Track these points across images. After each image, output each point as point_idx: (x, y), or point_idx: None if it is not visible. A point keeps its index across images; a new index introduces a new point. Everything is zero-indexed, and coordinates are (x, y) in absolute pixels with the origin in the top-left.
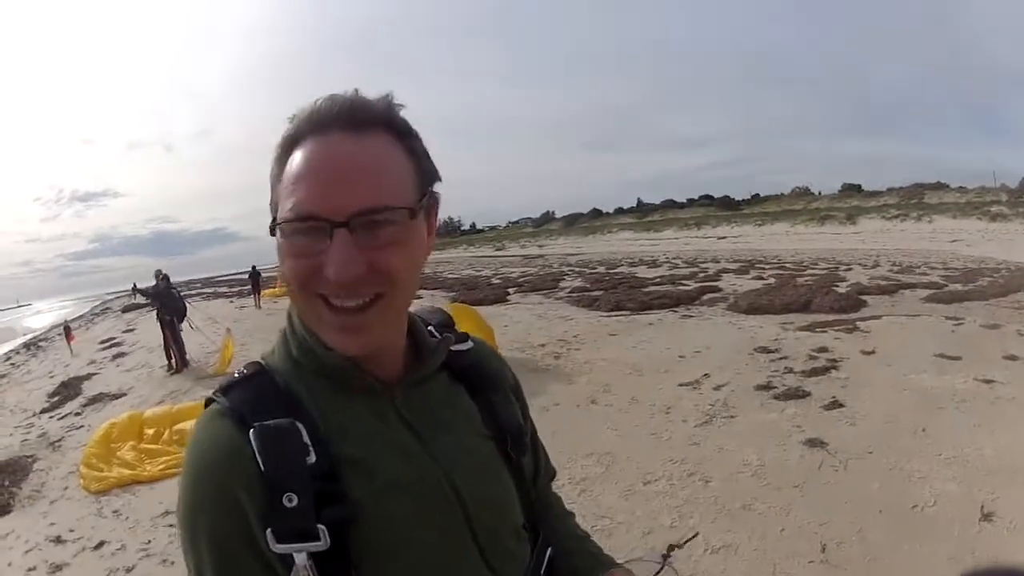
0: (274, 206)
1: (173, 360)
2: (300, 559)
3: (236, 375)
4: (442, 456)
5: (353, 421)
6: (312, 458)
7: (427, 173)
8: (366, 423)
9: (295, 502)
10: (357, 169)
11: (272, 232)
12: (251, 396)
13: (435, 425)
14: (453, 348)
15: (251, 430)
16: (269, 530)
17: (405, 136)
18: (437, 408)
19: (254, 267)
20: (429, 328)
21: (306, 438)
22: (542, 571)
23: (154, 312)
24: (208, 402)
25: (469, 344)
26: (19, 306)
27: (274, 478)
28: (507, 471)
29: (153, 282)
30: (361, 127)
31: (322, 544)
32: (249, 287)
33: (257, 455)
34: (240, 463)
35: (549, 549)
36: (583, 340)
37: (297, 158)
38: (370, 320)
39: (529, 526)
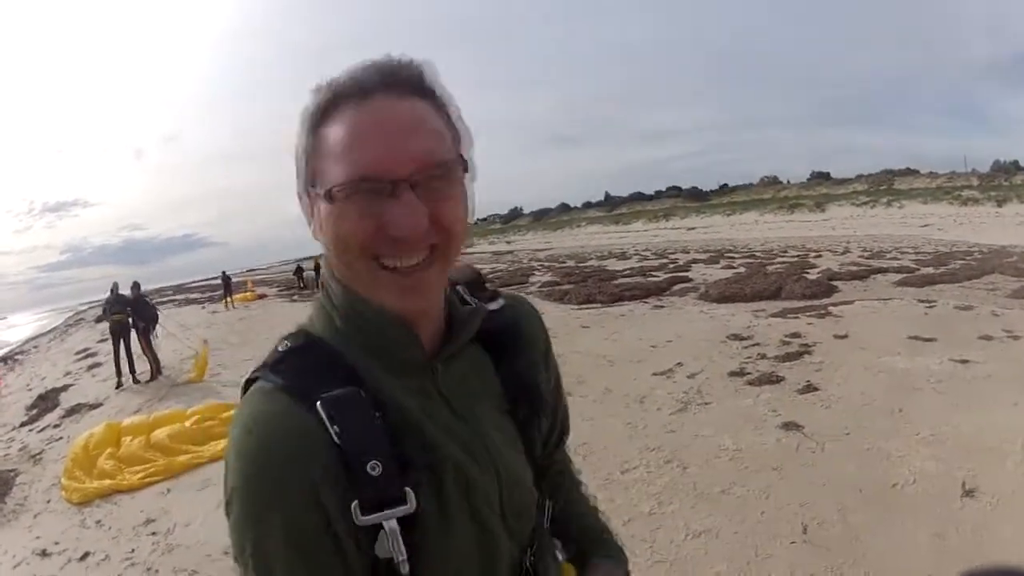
0: (310, 177)
1: (123, 376)
2: (390, 525)
3: (280, 348)
4: (479, 434)
5: (401, 393)
6: (381, 424)
7: (464, 134)
8: (412, 397)
9: (379, 469)
10: (408, 129)
11: (303, 197)
12: (306, 367)
13: (470, 402)
14: (488, 308)
15: (318, 403)
16: (356, 502)
17: (439, 98)
18: (470, 384)
19: (224, 272)
20: (458, 289)
21: (371, 406)
22: (545, 524)
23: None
24: (249, 382)
25: (500, 302)
26: None
27: (353, 448)
28: (521, 444)
29: (127, 292)
30: (401, 89)
31: (409, 507)
32: (221, 291)
33: (330, 428)
34: (311, 442)
35: (548, 502)
36: (555, 333)
37: (340, 123)
38: (428, 277)
39: (537, 486)
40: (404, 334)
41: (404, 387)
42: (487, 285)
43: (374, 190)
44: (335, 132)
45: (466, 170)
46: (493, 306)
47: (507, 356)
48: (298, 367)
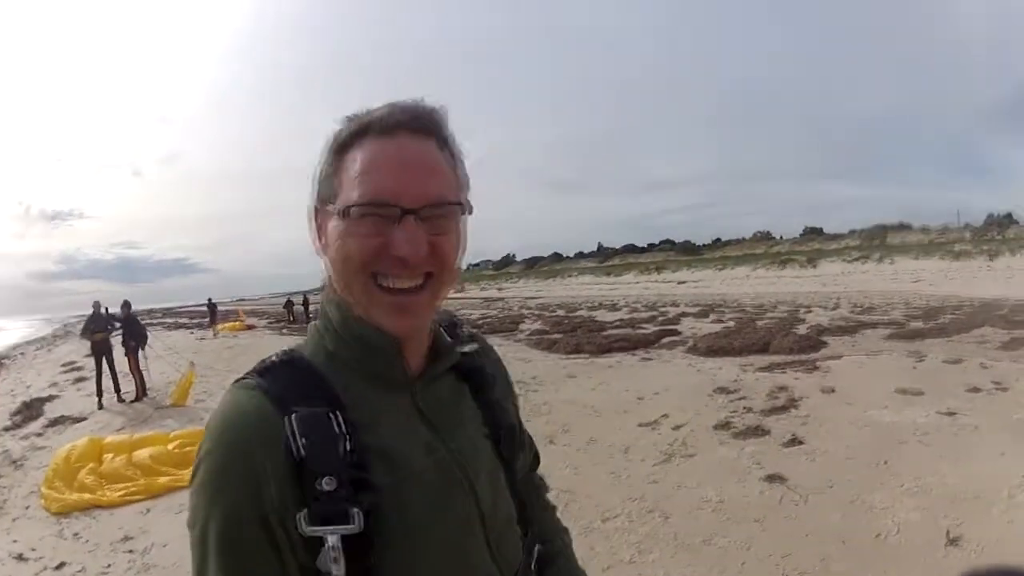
0: (327, 195)
1: (103, 396)
2: (332, 540)
3: (273, 358)
4: (457, 452)
5: (381, 414)
6: (346, 446)
7: (465, 181)
8: (392, 416)
9: (332, 486)
10: (424, 167)
11: (316, 213)
12: (290, 381)
13: (449, 421)
14: (462, 350)
15: (292, 415)
16: (303, 513)
17: (452, 145)
18: (449, 405)
19: (210, 299)
20: (440, 327)
21: (341, 427)
22: (532, 565)
23: (119, 338)
24: (237, 382)
25: (475, 345)
26: None
27: (314, 462)
28: (502, 468)
29: (118, 310)
30: (423, 132)
31: (355, 527)
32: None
33: (297, 439)
34: (273, 439)
35: (538, 545)
36: (542, 381)
37: (364, 152)
38: (420, 301)
39: (520, 519)
40: (391, 352)
41: (385, 404)
42: (463, 330)
43: (385, 215)
44: (359, 158)
45: (467, 213)
46: (469, 348)
47: (483, 389)
48: (282, 378)
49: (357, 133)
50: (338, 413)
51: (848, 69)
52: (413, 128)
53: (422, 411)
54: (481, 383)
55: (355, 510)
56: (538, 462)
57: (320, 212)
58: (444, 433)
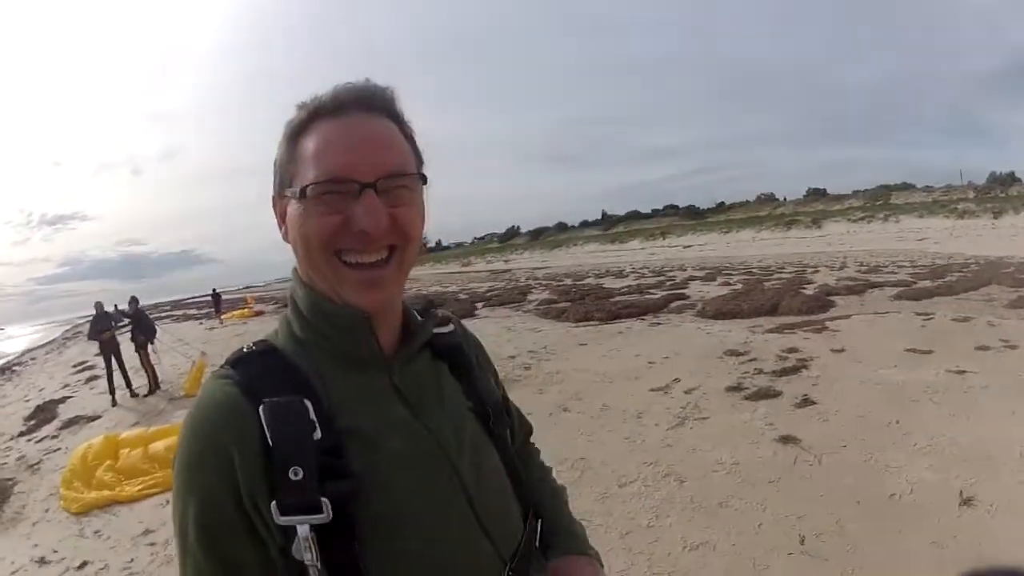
0: (285, 181)
1: (116, 393)
2: (303, 531)
3: (244, 350)
4: (436, 429)
5: (356, 395)
6: (318, 434)
7: (418, 155)
8: (368, 397)
9: (300, 475)
10: (378, 142)
11: (276, 201)
12: (260, 371)
13: (427, 400)
14: (436, 330)
15: (261, 405)
16: (275, 502)
17: (404, 122)
18: (427, 384)
19: (214, 289)
20: (413, 310)
21: (312, 415)
22: (536, 541)
23: (127, 335)
24: (213, 373)
25: (451, 327)
26: None
27: (282, 452)
28: (490, 442)
29: (125, 306)
30: (374, 110)
31: (324, 516)
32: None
33: (266, 429)
34: (243, 428)
35: (540, 520)
36: (552, 351)
37: (318, 134)
38: (386, 275)
39: (515, 489)
40: (362, 330)
41: (360, 386)
42: (438, 311)
43: (342, 191)
44: (312, 140)
45: (424, 183)
46: (444, 329)
47: (462, 366)
48: (253, 369)
49: (309, 117)
50: (310, 400)
51: (847, 38)
52: (364, 106)
53: (399, 390)
54: (459, 360)
55: (324, 500)
56: (530, 431)
57: (280, 199)
58: (423, 412)
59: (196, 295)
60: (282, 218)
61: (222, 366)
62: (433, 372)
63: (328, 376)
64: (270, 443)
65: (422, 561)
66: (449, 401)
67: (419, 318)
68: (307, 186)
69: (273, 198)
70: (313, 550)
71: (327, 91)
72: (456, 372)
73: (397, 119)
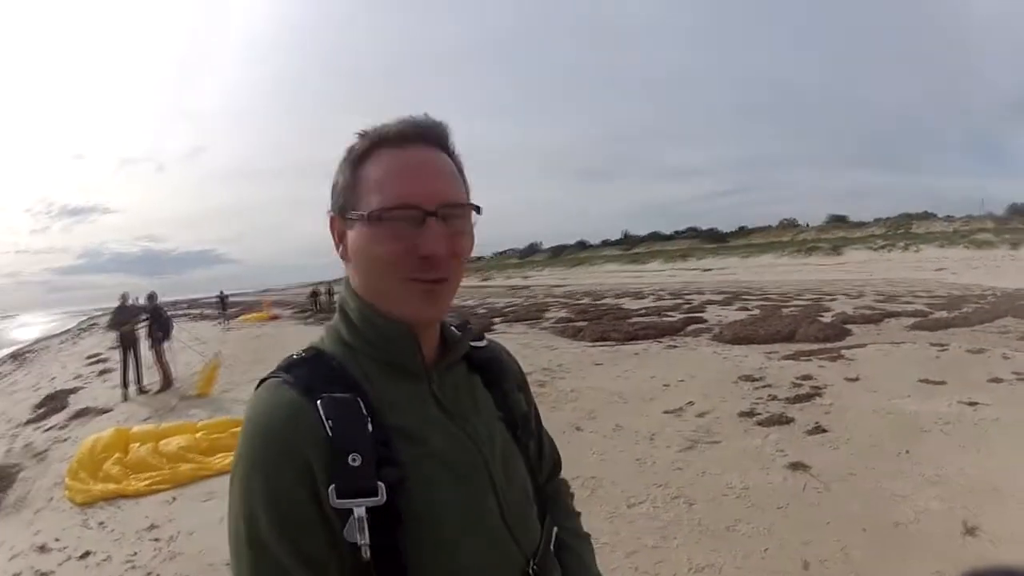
0: (348, 204)
1: (128, 387)
2: (359, 512)
3: (295, 356)
4: (472, 433)
5: (400, 400)
6: (370, 427)
7: (467, 186)
8: (410, 401)
9: (359, 462)
10: (439, 174)
11: (336, 222)
12: (313, 373)
13: (463, 407)
14: (471, 344)
15: (319, 400)
16: (333, 486)
17: (455, 155)
18: (463, 393)
19: (222, 291)
20: (451, 325)
21: (364, 410)
22: (551, 546)
23: (144, 329)
24: (263, 381)
25: (485, 342)
26: (4, 317)
27: (341, 441)
28: (518, 451)
29: (144, 302)
30: (431, 143)
31: (379, 499)
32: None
33: (325, 420)
34: (307, 425)
35: (555, 528)
36: (568, 369)
37: (381, 163)
38: (444, 291)
39: (537, 500)
40: (408, 342)
41: (404, 392)
42: (473, 328)
43: (408, 217)
44: (377, 169)
45: (478, 212)
46: (479, 343)
47: (495, 380)
48: (307, 371)
49: (372, 146)
50: (361, 398)
51: (872, 63)
52: (423, 139)
53: (438, 398)
54: (493, 374)
55: (380, 484)
56: (559, 463)
57: (339, 220)
58: (459, 418)
59: (212, 295)
60: (339, 237)
61: (273, 372)
62: (468, 383)
63: (374, 379)
64: (329, 433)
65: (457, 551)
66: (483, 410)
67: (456, 333)
68: (374, 211)
69: (332, 218)
70: (365, 531)
71: (391, 123)
72: (488, 384)
73: (451, 152)
